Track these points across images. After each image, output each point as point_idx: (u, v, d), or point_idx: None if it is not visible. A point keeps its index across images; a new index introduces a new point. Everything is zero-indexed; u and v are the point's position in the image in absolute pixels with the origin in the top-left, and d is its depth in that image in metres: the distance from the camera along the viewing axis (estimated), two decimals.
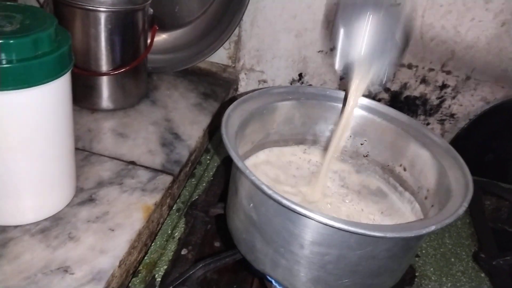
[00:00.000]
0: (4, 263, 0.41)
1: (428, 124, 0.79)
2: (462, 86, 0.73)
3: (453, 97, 0.75)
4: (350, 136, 0.54)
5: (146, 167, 0.56)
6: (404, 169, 0.51)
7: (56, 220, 0.47)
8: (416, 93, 0.77)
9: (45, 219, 0.46)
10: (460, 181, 0.42)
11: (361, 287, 0.40)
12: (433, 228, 0.35)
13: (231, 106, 0.46)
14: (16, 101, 0.38)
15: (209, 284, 0.47)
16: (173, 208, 0.56)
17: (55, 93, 0.41)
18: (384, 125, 0.52)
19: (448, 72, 0.72)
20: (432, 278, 0.51)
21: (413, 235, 0.35)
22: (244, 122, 0.46)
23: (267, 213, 0.38)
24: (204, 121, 0.68)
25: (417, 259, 0.53)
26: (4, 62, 0.36)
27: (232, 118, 0.45)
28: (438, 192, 0.45)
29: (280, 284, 0.42)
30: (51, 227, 0.46)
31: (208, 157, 0.66)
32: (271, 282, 0.46)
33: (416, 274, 0.51)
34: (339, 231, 0.35)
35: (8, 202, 0.44)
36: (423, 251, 0.55)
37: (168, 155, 0.59)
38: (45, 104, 0.40)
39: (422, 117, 0.79)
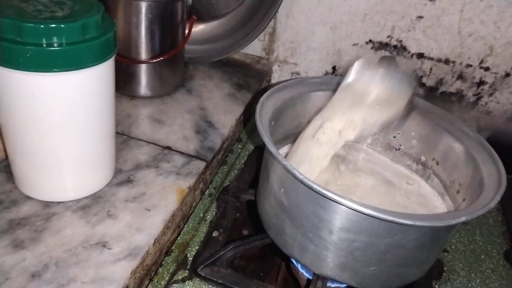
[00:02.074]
0: (48, 236, 0.44)
1: (463, 121, 0.78)
2: (500, 83, 0.71)
3: (490, 94, 0.73)
4: (383, 128, 0.54)
5: (181, 153, 0.58)
6: (437, 163, 0.51)
7: (96, 198, 0.49)
8: (452, 89, 0.75)
9: (86, 197, 0.49)
10: (494, 176, 0.42)
11: (388, 275, 0.41)
12: (463, 219, 0.35)
13: (265, 94, 0.47)
14: (64, 83, 0.41)
15: (237, 269, 0.49)
16: (206, 193, 0.58)
17: (100, 77, 0.43)
18: (417, 118, 0.52)
19: (486, 69, 0.71)
20: (461, 273, 0.51)
21: (442, 224, 0.35)
22: (277, 111, 0.47)
23: (297, 198, 0.39)
24: (237, 111, 0.69)
25: (446, 254, 0.53)
26: (55, 45, 0.38)
27: (266, 106, 0.46)
28: (470, 186, 0.45)
29: (307, 269, 0.43)
30: (91, 204, 0.48)
31: (239, 146, 0.68)
32: (297, 267, 0.47)
33: (445, 268, 0.51)
34: (368, 218, 0.36)
35: (52, 179, 0.46)
36: (453, 247, 0.54)
37: (202, 142, 0.61)
38: (90, 87, 0.43)
39: (457, 113, 0.78)
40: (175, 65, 0.69)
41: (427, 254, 0.41)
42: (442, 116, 0.51)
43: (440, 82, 0.76)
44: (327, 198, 0.35)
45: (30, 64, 0.38)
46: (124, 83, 0.66)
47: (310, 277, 0.48)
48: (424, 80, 0.76)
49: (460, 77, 0.74)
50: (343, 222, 0.37)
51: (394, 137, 0.54)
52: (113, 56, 0.44)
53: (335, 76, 0.78)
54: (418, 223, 0.34)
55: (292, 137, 0.54)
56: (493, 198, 0.37)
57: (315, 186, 0.35)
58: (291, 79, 0.51)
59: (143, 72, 0.66)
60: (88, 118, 0.45)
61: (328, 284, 0.45)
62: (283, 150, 0.53)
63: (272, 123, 0.46)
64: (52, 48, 0.38)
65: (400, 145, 0.54)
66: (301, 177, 0.36)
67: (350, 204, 0.34)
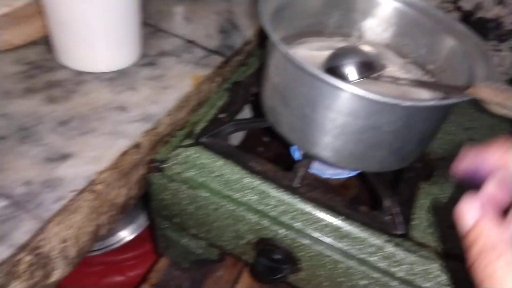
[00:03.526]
0: (77, 96, 0.51)
1: (499, 50, 0.76)
2: None
3: None
4: (396, 35, 0.56)
5: (203, 47, 0.63)
6: (442, 70, 0.52)
7: (121, 73, 0.55)
8: (490, 15, 0.73)
9: (113, 72, 0.55)
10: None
11: (366, 157, 0.44)
12: (432, 102, 0.37)
13: None
14: None
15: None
16: (222, 86, 0.63)
17: None
18: (425, 22, 0.52)
19: None
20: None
21: (411, 105, 0.37)
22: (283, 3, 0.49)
23: (287, 76, 0.43)
24: None
25: (442, 162, 0.55)
26: None
27: None
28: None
29: (296, 147, 0.48)
30: (117, 78, 0.55)
31: (263, 51, 0.71)
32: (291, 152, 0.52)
33: (438, 172, 0.54)
34: (344, 97, 0.39)
35: (84, 50, 0.53)
36: (453, 157, 0.56)
37: (224, 40, 0.65)
38: None
39: (493, 42, 0.75)
40: None
41: (402, 143, 0.44)
42: (443, 18, 0.51)
43: (478, 6, 0.73)
44: (309, 75, 0.39)
45: None
46: None
47: (297, 159, 0.52)
48: (460, 3, 0.74)
49: (501, 2, 0.71)
50: (324, 100, 0.41)
51: (403, 45, 0.55)
52: None
53: None
54: (388, 101, 0.37)
55: (300, 37, 0.56)
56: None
57: (295, 61, 0.39)
58: None
59: None
60: None
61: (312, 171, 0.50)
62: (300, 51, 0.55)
63: (276, 15, 0.48)
64: None
65: (410, 54, 0.55)
66: (285, 52, 0.39)
67: (328, 80, 0.38)
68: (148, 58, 0.59)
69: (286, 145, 0.51)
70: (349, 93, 0.38)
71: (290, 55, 0.39)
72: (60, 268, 0.44)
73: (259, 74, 0.63)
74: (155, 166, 0.50)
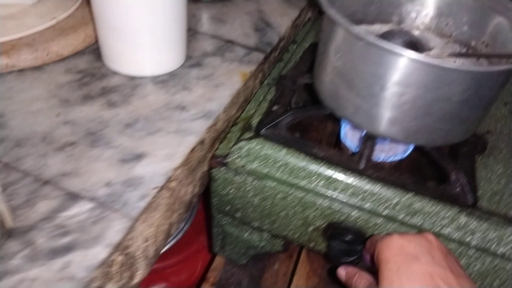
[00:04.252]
0: (135, 100, 0.52)
1: None
2: None
3: None
4: (436, 16, 0.57)
5: (242, 45, 0.64)
6: (486, 45, 0.54)
7: (172, 75, 0.56)
8: None
9: (163, 74, 0.56)
10: None
11: (433, 130, 0.45)
12: (504, 67, 0.39)
13: None
14: None
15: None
16: (264, 83, 0.63)
17: None
18: (469, 3, 0.54)
19: None
20: (503, 151, 0.55)
21: (485, 70, 0.39)
22: None
23: (353, 59, 0.44)
24: (293, 13, 0.73)
25: (489, 135, 0.57)
26: None
27: None
28: None
29: (359, 128, 0.48)
30: (169, 80, 0.55)
31: (294, 47, 0.72)
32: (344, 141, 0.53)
33: (488, 146, 0.55)
34: (417, 68, 0.40)
35: (138, 55, 0.53)
36: (497, 131, 0.58)
37: (261, 38, 0.66)
38: None
39: None
40: None
41: (469, 113, 0.45)
42: None
43: None
44: (382, 50, 0.40)
45: None
46: None
47: (355, 151, 0.53)
48: None
49: None
50: (395, 75, 0.42)
51: (445, 24, 0.57)
52: None
53: None
54: (463, 68, 0.38)
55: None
56: None
57: (368, 37, 0.40)
58: None
59: None
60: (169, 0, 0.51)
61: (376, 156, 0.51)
62: None
63: None
64: None
65: (452, 32, 0.57)
66: (357, 31, 0.40)
67: (404, 52, 0.39)
68: (193, 60, 0.59)
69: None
70: (424, 65, 0.39)
71: (362, 33, 0.40)
72: (141, 269, 0.44)
73: (299, 67, 0.65)
74: (219, 161, 0.50)
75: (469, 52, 0.55)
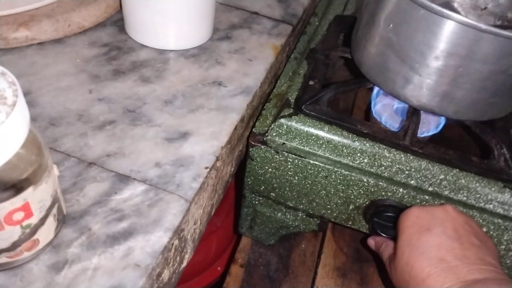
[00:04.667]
0: (169, 75, 0.49)
1: None
2: None
3: None
4: None
5: (268, 17, 0.61)
6: None
7: (202, 49, 0.53)
8: None
9: (193, 48, 0.53)
10: None
11: (484, 104, 0.45)
12: None
13: None
14: None
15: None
16: (291, 57, 0.61)
17: None
18: None
19: None
20: None
21: None
22: None
23: (407, 30, 0.42)
24: None
25: None
26: None
27: None
28: None
29: (407, 102, 0.47)
30: (200, 54, 0.52)
31: (316, 19, 0.70)
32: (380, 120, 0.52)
33: None
34: (477, 38, 0.39)
35: (168, 28, 0.50)
36: None
37: (285, 9, 0.64)
38: None
39: None
40: None
41: None
42: None
43: None
44: (444, 17, 0.38)
45: None
46: None
47: (396, 130, 0.52)
48: None
49: None
50: (454, 47, 0.40)
51: None
52: None
53: None
54: None
55: None
56: None
57: (434, 7, 0.38)
58: None
59: None
60: None
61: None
62: None
63: None
64: None
65: (487, 4, 0.56)
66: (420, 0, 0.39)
67: (465, 21, 0.37)
68: (221, 32, 0.56)
69: None
70: (488, 36, 0.38)
71: (425, 1, 0.38)
72: (188, 253, 0.43)
73: (329, 40, 0.63)
74: (258, 139, 0.48)
75: (505, 24, 0.55)
